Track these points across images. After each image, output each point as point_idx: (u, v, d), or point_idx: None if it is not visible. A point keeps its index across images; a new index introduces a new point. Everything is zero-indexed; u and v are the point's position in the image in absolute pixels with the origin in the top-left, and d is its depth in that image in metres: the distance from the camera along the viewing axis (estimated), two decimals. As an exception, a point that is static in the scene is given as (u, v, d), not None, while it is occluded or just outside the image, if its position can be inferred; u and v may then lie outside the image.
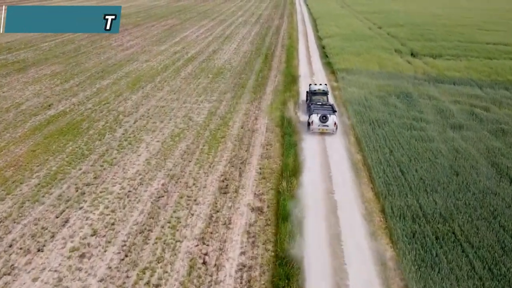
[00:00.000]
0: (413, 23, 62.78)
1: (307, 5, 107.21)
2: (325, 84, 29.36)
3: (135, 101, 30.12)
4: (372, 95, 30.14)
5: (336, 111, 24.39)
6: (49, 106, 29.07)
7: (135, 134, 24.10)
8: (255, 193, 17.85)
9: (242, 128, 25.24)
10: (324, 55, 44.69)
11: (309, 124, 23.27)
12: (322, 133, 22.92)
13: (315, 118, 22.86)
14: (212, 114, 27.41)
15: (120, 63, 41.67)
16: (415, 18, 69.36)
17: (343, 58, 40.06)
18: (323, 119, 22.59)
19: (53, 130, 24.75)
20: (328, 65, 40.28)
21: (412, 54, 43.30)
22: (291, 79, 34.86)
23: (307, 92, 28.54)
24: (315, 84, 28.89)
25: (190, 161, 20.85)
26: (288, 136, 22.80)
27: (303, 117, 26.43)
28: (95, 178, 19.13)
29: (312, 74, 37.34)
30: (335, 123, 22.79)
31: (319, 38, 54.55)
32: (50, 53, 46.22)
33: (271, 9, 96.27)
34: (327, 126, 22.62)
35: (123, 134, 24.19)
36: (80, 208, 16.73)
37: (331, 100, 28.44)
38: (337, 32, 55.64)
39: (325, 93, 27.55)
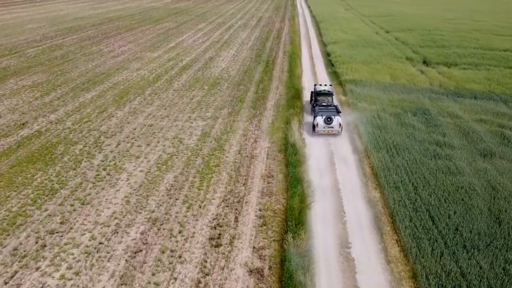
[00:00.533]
0: (422, 27, 59.50)
1: (309, 7, 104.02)
2: (330, 85, 28.52)
3: (120, 118, 26.88)
4: (386, 112, 26.90)
5: (340, 112, 24.16)
6: (23, 124, 25.85)
7: (116, 162, 20.86)
8: (253, 247, 14.61)
9: (239, 153, 22.00)
10: (330, 63, 41.42)
11: (314, 126, 23.35)
12: (328, 134, 23.03)
13: (320, 120, 23.04)
14: (205, 135, 24.18)
15: (109, 72, 38.45)
16: (424, 21, 66.04)
17: (350, 68, 36.81)
18: (328, 120, 22.89)
19: (22, 156, 21.52)
20: (334, 75, 37.03)
21: (425, 63, 40.05)
22: (294, 92, 31.61)
23: (311, 92, 28.16)
24: (320, 85, 28.35)
25: (177, 199, 17.61)
26: (292, 167, 19.54)
27: (308, 140, 23.35)
28: (61, 223, 15.90)
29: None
30: (339, 124, 22.98)
31: (323, 44, 51.26)
32: (35, 60, 42.99)
33: (272, 12, 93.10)
34: (332, 127, 22.92)
35: (102, 161, 20.96)
36: (37, 269, 13.50)
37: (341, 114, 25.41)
38: (342, 37, 52.37)
39: (330, 94, 27.23)
